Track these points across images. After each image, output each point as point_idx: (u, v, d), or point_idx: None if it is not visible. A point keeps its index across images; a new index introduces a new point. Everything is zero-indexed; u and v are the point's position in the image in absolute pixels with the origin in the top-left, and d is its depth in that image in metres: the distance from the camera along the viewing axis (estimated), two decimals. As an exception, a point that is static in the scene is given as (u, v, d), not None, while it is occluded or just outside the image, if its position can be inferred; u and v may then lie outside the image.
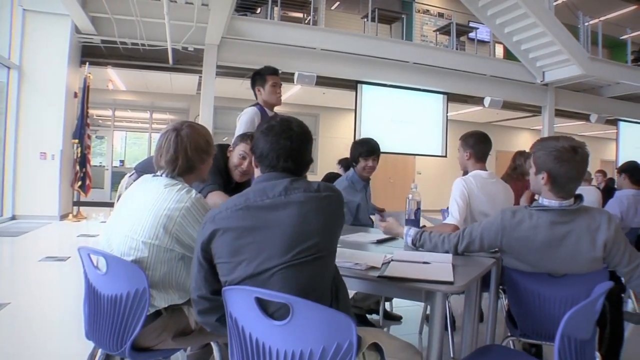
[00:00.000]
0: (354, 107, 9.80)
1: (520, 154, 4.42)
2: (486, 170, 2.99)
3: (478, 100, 11.12)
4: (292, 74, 8.94)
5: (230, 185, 2.78)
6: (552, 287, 2.08)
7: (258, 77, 3.63)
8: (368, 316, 3.68)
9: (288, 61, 8.91)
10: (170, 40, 7.91)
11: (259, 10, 9.28)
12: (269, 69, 3.65)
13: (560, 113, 11.99)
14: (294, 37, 8.88)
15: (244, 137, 2.81)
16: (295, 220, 1.43)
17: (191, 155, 1.88)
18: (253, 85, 3.66)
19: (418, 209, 2.38)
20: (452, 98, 10.83)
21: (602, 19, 12.76)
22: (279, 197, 1.46)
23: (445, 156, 10.66)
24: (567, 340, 1.38)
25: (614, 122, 13.64)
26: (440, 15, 13.41)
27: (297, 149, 1.55)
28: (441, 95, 10.63)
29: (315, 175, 11.69)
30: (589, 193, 4.67)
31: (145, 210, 1.79)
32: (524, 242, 2.01)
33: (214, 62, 8.55)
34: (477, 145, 3.01)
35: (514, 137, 15.60)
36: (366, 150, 3.61)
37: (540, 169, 2.02)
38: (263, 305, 1.33)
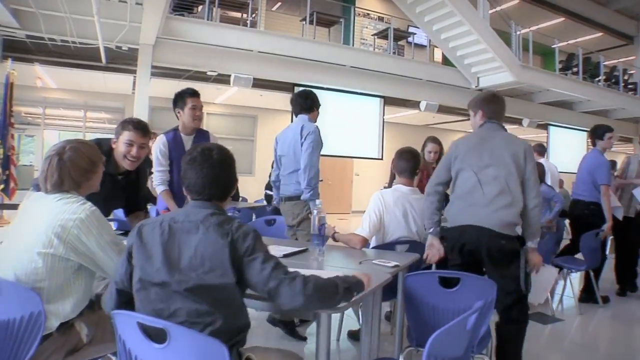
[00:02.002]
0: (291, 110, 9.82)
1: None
2: (410, 186, 3.21)
3: (414, 104, 11.34)
4: (229, 76, 8.88)
5: (115, 178, 2.80)
6: (445, 299, 2.18)
7: (178, 98, 3.57)
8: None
9: (225, 63, 8.83)
10: (102, 39, 7.66)
11: (198, 9, 9.10)
12: (188, 91, 3.60)
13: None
14: (232, 38, 8.78)
15: (124, 124, 2.78)
16: (200, 249, 1.56)
17: (75, 177, 1.94)
18: (174, 107, 3.60)
19: (322, 224, 2.43)
20: (389, 101, 11.01)
21: (533, 28, 13.32)
22: (195, 222, 1.62)
23: (382, 159, 10.83)
24: (435, 360, 1.45)
25: (544, 127, 14.29)
26: (381, 19, 13.58)
27: (218, 175, 1.70)
28: (378, 99, 10.79)
29: (252, 176, 11.67)
30: None
31: (38, 223, 1.82)
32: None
33: (149, 63, 8.34)
34: (397, 161, 3.31)
35: (451, 140, 15.93)
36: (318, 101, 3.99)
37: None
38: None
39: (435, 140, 4.84)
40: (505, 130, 2.95)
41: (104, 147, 2.71)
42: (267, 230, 4.10)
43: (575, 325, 4.41)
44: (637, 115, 15.23)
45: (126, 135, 2.73)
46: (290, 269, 1.62)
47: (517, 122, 13.48)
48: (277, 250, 2.70)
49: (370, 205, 3.10)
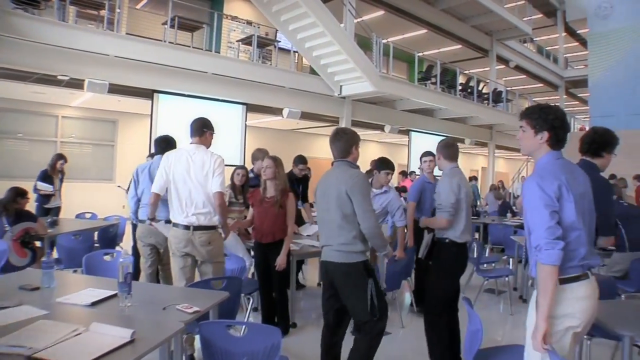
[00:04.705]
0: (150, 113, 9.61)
1: None
2: None
3: (278, 111, 11.54)
4: (83, 80, 8.45)
5: None
6: (236, 344, 2.39)
7: None
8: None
9: (78, 67, 8.26)
10: None
11: (47, 2, 8.34)
12: None
13: (356, 123, 12.77)
14: (86, 41, 8.25)
15: None
16: None
17: None
18: None
19: (128, 273, 2.53)
20: (252, 108, 11.09)
21: (397, 38, 14.16)
22: None
23: (244, 166, 10.88)
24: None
25: (406, 132, 15.30)
26: (249, 23, 13.60)
27: None
28: (241, 106, 10.86)
29: (112, 182, 11.19)
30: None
31: None
32: None
33: (-17, 62, 7.61)
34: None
35: (316, 143, 16.37)
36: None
37: None
38: None
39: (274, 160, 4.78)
40: (352, 166, 3.23)
41: None
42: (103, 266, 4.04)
43: (399, 337, 4.83)
44: (491, 122, 16.92)
45: None
46: None
47: (380, 127, 14.30)
48: (89, 294, 2.73)
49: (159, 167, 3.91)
